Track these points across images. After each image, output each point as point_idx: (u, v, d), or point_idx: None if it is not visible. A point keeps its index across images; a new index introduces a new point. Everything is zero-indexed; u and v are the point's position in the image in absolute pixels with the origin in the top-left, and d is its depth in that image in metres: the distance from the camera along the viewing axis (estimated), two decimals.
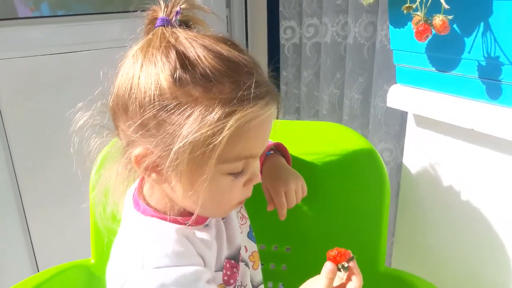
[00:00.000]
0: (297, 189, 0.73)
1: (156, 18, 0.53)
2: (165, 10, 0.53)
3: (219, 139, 0.48)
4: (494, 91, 0.70)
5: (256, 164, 0.58)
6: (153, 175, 0.54)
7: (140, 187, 0.62)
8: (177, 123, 0.49)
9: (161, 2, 0.54)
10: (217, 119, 0.48)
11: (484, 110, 0.71)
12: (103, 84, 0.57)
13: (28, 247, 1.45)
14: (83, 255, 0.88)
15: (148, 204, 0.59)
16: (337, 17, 1.36)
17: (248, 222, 0.75)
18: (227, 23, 1.64)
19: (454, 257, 0.88)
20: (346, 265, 0.57)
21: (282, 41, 1.54)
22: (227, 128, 0.48)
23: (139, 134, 0.52)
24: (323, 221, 0.85)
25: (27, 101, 1.33)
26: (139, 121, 0.50)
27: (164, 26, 0.52)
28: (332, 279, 0.56)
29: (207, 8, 0.57)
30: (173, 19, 0.53)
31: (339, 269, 0.57)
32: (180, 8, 0.53)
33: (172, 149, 0.49)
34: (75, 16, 1.43)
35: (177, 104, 0.49)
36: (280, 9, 1.50)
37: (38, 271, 1.30)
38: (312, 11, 1.43)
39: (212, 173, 0.50)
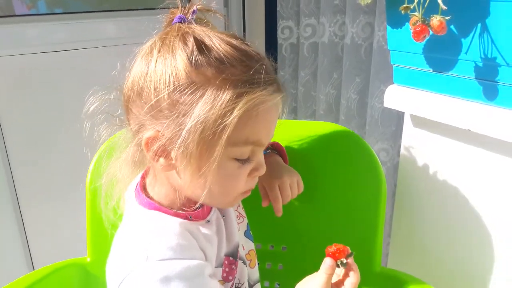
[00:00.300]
0: (292, 184, 0.74)
1: (173, 19, 0.57)
2: (182, 10, 0.57)
3: (229, 119, 0.50)
4: (490, 92, 0.70)
5: (262, 155, 0.59)
6: (161, 160, 0.55)
7: (142, 182, 0.62)
8: (190, 102, 0.51)
9: (179, 4, 0.57)
10: (229, 99, 0.50)
11: (480, 111, 0.72)
12: (115, 77, 0.59)
13: (24, 245, 1.44)
14: (79, 254, 0.87)
15: (151, 198, 0.60)
16: (335, 17, 1.36)
17: (246, 221, 0.75)
18: (225, 22, 1.64)
19: (450, 257, 0.89)
20: (344, 261, 0.58)
21: (279, 41, 1.54)
22: (237, 108, 0.50)
23: (151, 115, 0.54)
24: (319, 221, 0.85)
25: (23, 98, 1.33)
26: (153, 101, 0.52)
27: (181, 22, 0.56)
28: (331, 275, 0.58)
29: (221, 13, 0.60)
30: (189, 17, 0.56)
31: (338, 266, 0.58)
32: (197, 8, 0.57)
33: (183, 129, 0.51)
34: (72, 14, 1.43)
35: (190, 84, 0.51)
36: (278, 8, 1.51)
37: (34, 270, 1.30)
38: (310, 11, 1.43)
39: (221, 155, 0.52)
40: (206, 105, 0.50)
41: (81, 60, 1.37)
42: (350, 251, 0.59)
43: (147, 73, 0.53)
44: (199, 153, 0.52)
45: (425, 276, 0.78)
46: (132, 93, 0.56)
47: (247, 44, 0.55)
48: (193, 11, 0.57)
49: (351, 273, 0.59)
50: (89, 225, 0.85)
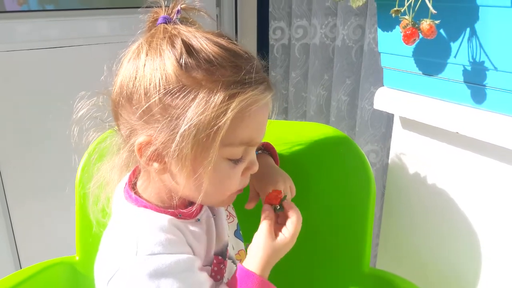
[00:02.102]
0: (285, 190, 0.73)
1: (157, 19, 0.56)
2: (166, 10, 0.56)
3: (223, 121, 0.50)
4: (478, 96, 0.71)
5: (254, 153, 0.60)
6: (155, 164, 0.55)
7: (131, 182, 0.62)
8: (182, 106, 0.51)
9: (162, 4, 0.57)
10: (221, 101, 0.50)
11: (468, 114, 0.73)
12: (102, 78, 0.58)
13: (11, 243, 1.43)
14: (67, 253, 0.87)
15: (140, 196, 0.60)
16: (326, 19, 1.37)
17: (236, 221, 0.75)
18: (217, 21, 1.64)
19: (439, 258, 0.90)
20: (278, 206, 0.62)
21: (271, 42, 1.54)
22: (230, 109, 0.51)
23: (143, 120, 0.53)
24: (308, 221, 0.85)
25: (13, 95, 1.31)
26: (144, 107, 0.52)
27: (166, 23, 0.55)
28: (271, 220, 0.61)
29: (205, 11, 0.59)
30: (174, 17, 0.56)
31: (275, 211, 0.62)
32: (180, 7, 0.56)
33: (176, 133, 0.51)
34: (63, 10, 1.42)
35: (182, 88, 0.51)
36: (270, 9, 1.51)
37: (21, 268, 1.28)
38: (302, 12, 1.43)
39: (215, 156, 0.52)
40: (199, 107, 0.50)
41: (73, 57, 1.37)
42: (282, 195, 0.63)
43: (136, 78, 0.53)
44: (193, 155, 0.52)
45: (413, 277, 0.79)
46: (121, 98, 0.55)
47: (235, 43, 0.55)
48: (178, 11, 0.56)
49: (290, 213, 0.62)
50: (77, 223, 0.84)
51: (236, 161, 0.56)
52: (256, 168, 0.60)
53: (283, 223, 0.62)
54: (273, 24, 1.52)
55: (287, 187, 0.74)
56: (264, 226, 0.61)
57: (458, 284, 0.87)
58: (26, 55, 1.30)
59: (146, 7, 0.58)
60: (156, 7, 0.57)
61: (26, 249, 1.46)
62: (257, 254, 0.59)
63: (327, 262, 0.86)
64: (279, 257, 0.61)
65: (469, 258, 0.83)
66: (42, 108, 1.35)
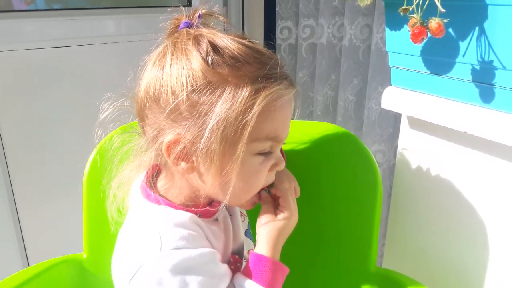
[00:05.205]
0: (290, 190, 0.74)
1: (178, 25, 0.57)
2: (187, 15, 0.58)
3: (250, 115, 0.51)
4: (487, 95, 0.71)
5: (279, 150, 0.61)
6: (183, 164, 0.56)
7: (148, 180, 0.62)
8: (209, 102, 0.52)
9: (183, 10, 0.58)
10: (248, 95, 0.51)
11: (477, 113, 0.72)
12: (128, 79, 0.60)
13: (19, 241, 1.44)
14: (75, 250, 0.87)
15: (161, 195, 0.60)
16: (333, 19, 1.36)
17: (247, 220, 0.76)
18: (224, 21, 1.65)
19: (445, 258, 0.89)
20: (267, 189, 0.65)
21: (278, 41, 1.54)
22: (257, 104, 0.51)
23: (170, 119, 0.54)
24: (315, 220, 0.86)
25: (21, 95, 1.32)
26: (172, 105, 0.53)
27: (188, 28, 0.56)
28: (269, 203, 0.64)
29: (224, 16, 0.61)
30: (196, 22, 0.57)
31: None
32: (202, 12, 0.57)
33: (205, 129, 0.52)
34: (71, 10, 1.43)
35: (209, 84, 0.52)
36: (277, 9, 1.51)
37: (29, 266, 1.29)
38: (309, 12, 1.43)
39: (243, 151, 0.53)
40: (226, 103, 0.51)
41: (80, 57, 1.37)
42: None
43: (162, 78, 0.54)
44: (222, 151, 0.53)
45: (420, 277, 0.79)
46: (147, 100, 0.56)
47: (256, 43, 0.57)
48: (199, 16, 0.57)
49: (278, 193, 0.64)
50: (85, 221, 0.85)
51: (265, 155, 0.57)
52: (283, 165, 0.61)
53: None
54: (280, 24, 1.52)
55: (291, 187, 0.74)
56: (262, 209, 0.63)
57: (465, 284, 0.86)
58: (33, 54, 1.31)
59: (160, 6, 0.59)
60: (176, 13, 0.58)
61: (34, 247, 1.47)
62: (264, 237, 0.61)
63: (333, 261, 0.86)
64: (286, 235, 0.63)
65: (476, 258, 0.83)
66: (50, 107, 1.36)
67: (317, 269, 0.87)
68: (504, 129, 0.68)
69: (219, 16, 0.60)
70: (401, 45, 0.81)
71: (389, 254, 1.04)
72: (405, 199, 0.95)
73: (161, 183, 0.62)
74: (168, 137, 0.54)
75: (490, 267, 0.81)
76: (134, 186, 0.64)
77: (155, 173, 0.64)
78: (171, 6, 0.61)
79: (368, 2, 0.77)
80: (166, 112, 0.54)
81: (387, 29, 0.82)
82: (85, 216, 0.85)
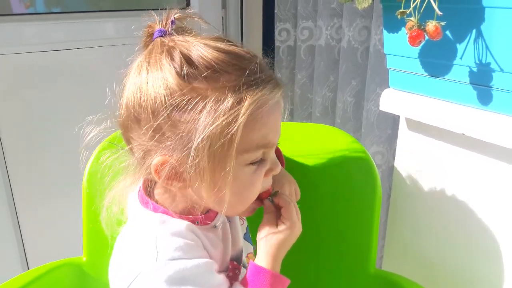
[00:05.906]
0: (291, 192, 0.73)
1: (152, 34, 0.55)
2: (160, 23, 0.55)
3: (235, 127, 0.49)
4: (484, 97, 0.71)
5: (273, 154, 0.58)
6: (175, 183, 0.54)
7: (145, 187, 0.61)
8: (191, 119, 0.49)
9: (156, 18, 0.55)
10: (230, 107, 0.49)
11: (474, 115, 0.72)
12: (109, 98, 0.57)
13: (19, 244, 1.44)
14: (75, 254, 0.87)
15: (157, 202, 0.59)
16: (332, 21, 1.37)
17: (246, 224, 0.75)
18: (223, 23, 1.65)
19: (444, 259, 0.89)
20: (270, 198, 0.63)
21: (277, 43, 1.54)
22: (241, 115, 0.49)
23: (155, 140, 0.52)
24: (314, 222, 0.86)
25: (20, 98, 1.32)
26: (154, 126, 0.51)
27: (162, 36, 0.54)
28: (271, 213, 0.62)
29: (199, 17, 0.58)
30: (169, 29, 0.54)
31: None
32: (174, 17, 0.55)
33: (191, 147, 0.49)
34: (70, 13, 1.43)
35: (188, 100, 0.49)
36: (276, 11, 1.51)
37: (28, 269, 1.29)
38: (307, 14, 1.43)
39: (234, 165, 0.51)
40: (209, 118, 0.49)
41: (79, 60, 1.37)
42: (272, 191, 0.63)
43: (140, 98, 0.51)
44: (211, 168, 0.51)
45: (419, 278, 0.79)
46: (129, 122, 0.54)
47: (235, 45, 0.53)
48: (172, 22, 0.54)
49: (280, 203, 0.62)
50: (85, 224, 0.85)
51: (258, 163, 0.55)
52: (278, 168, 0.59)
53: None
54: (278, 26, 1.52)
55: (292, 190, 0.74)
56: (264, 219, 0.61)
57: (464, 285, 0.86)
58: (32, 58, 1.31)
59: (156, 9, 0.57)
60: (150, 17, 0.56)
61: (34, 248, 1.47)
62: (264, 248, 0.59)
63: (333, 263, 0.86)
64: (287, 246, 0.61)
65: (475, 259, 0.83)
66: (49, 110, 1.36)
67: (317, 271, 0.87)
68: (501, 131, 0.69)
69: (193, 17, 0.57)
70: (399, 48, 0.81)
71: (388, 255, 1.04)
72: (404, 200, 0.95)
73: (158, 191, 0.61)
74: (156, 159, 0.52)
75: (488, 268, 0.81)
76: (133, 193, 0.63)
77: (152, 180, 0.62)
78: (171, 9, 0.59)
79: (366, 5, 0.77)
80: (149, 134, 0.51)
81: (385, 32, 0.82)
82: (84, 220, 0.85)
